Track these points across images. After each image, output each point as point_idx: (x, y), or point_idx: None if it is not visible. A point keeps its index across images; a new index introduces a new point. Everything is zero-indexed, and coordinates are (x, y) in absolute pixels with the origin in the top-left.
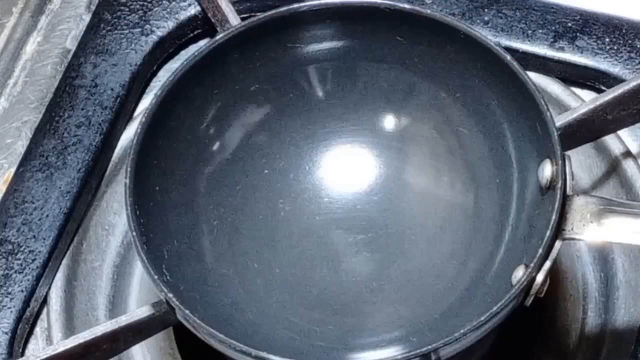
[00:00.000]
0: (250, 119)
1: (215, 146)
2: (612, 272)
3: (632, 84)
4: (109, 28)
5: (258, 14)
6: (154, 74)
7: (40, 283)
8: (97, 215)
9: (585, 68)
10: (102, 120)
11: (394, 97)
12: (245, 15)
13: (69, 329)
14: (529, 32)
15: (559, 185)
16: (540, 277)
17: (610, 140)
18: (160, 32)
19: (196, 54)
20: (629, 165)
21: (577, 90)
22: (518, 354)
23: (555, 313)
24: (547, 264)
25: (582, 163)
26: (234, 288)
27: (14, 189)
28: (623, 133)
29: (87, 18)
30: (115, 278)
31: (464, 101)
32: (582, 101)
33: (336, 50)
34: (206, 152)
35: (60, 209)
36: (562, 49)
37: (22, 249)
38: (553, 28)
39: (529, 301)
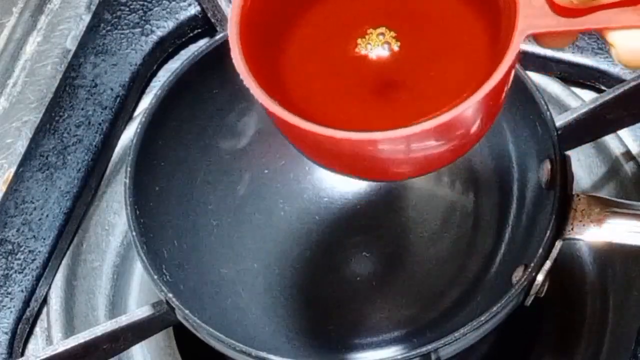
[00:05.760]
0: (250, 119)
1: (215, 146)
2: (612, 272)
3: (632, 84)
4: (109, 28)
5: None
6: (154, 74)
7: (40, 283)
8: (97, 215)
9: (585, 68)
10: (102, 120)
11: None
12: None
13: (69, 329)
14: None
15: (559, 185)
16: (540, 277)
17: (610, 140)
18: (160, 32)
19: (196, 54)
20: (629, 165)
21: (577, 90)
22: (518, 354)
23: (555, 313)
24: (547, 264)
25: (582, 163)
26: (234, 288)
27: (14, 189)
28: (623, 133)
29: (87, 18)
30: (115, 278)
31: None
32: (582, 101)
33: None
34: (206, 152)
35: (60, 209)
36: (562, 48)
37: (22, 249)
38: None
39: (529, 301)
